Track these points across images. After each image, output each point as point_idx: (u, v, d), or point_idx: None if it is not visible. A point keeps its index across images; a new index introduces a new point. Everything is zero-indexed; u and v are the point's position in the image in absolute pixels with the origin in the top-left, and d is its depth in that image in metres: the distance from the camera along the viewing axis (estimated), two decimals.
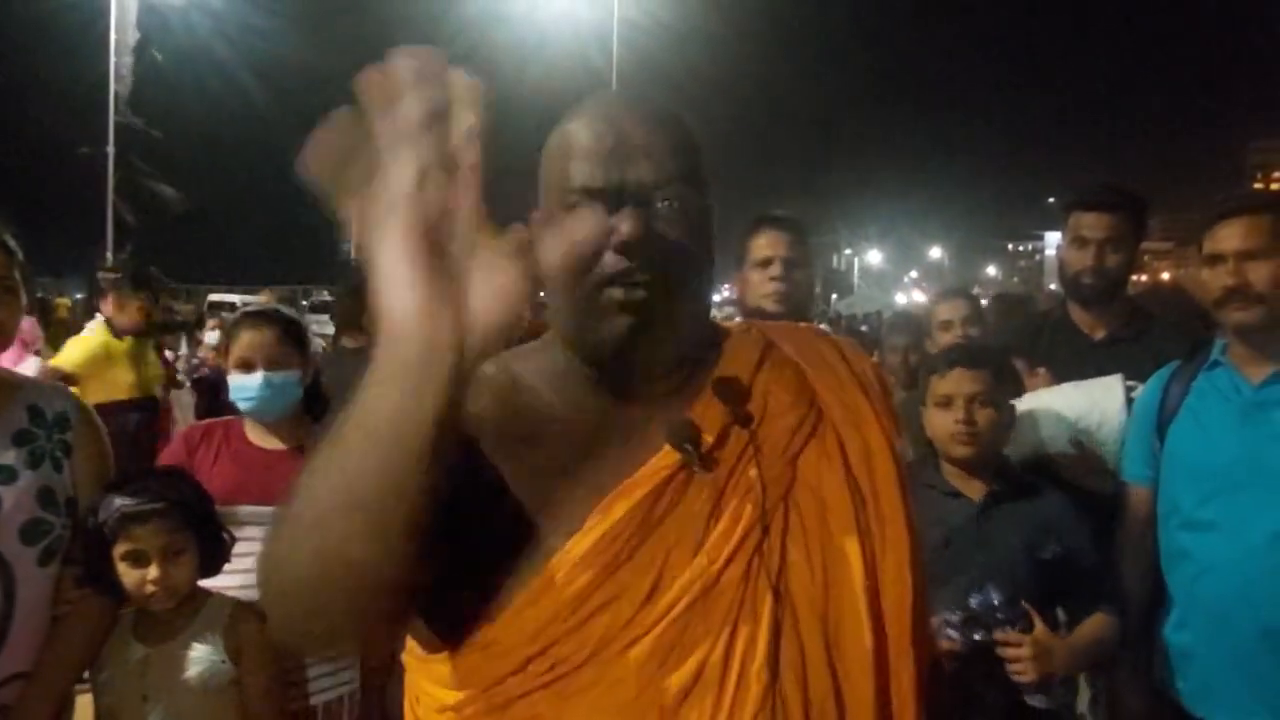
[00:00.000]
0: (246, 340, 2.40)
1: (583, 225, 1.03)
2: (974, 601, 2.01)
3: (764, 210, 2.90)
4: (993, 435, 2.20)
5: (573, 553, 0.99)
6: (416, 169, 0.70)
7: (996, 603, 2.01)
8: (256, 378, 2.37)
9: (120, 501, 1.99)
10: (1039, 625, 2.00)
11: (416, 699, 1.08)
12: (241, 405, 2.42)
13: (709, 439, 1.06)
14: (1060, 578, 2.09)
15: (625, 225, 1.01)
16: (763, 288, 2.77)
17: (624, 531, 1.00)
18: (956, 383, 2.20)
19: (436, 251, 0.71)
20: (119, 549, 2.00)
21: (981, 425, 2.17)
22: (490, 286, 0.73)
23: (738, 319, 2.24)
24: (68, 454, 2.02)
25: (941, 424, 2.20)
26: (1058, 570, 2.08)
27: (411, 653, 1.09)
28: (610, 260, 1.02)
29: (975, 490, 2.18)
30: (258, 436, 2.46)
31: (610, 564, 0.99)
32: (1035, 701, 2.00)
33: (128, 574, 2.01)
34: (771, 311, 2.70)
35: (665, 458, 1.04)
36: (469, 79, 0.71)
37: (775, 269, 2.76)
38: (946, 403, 2.19)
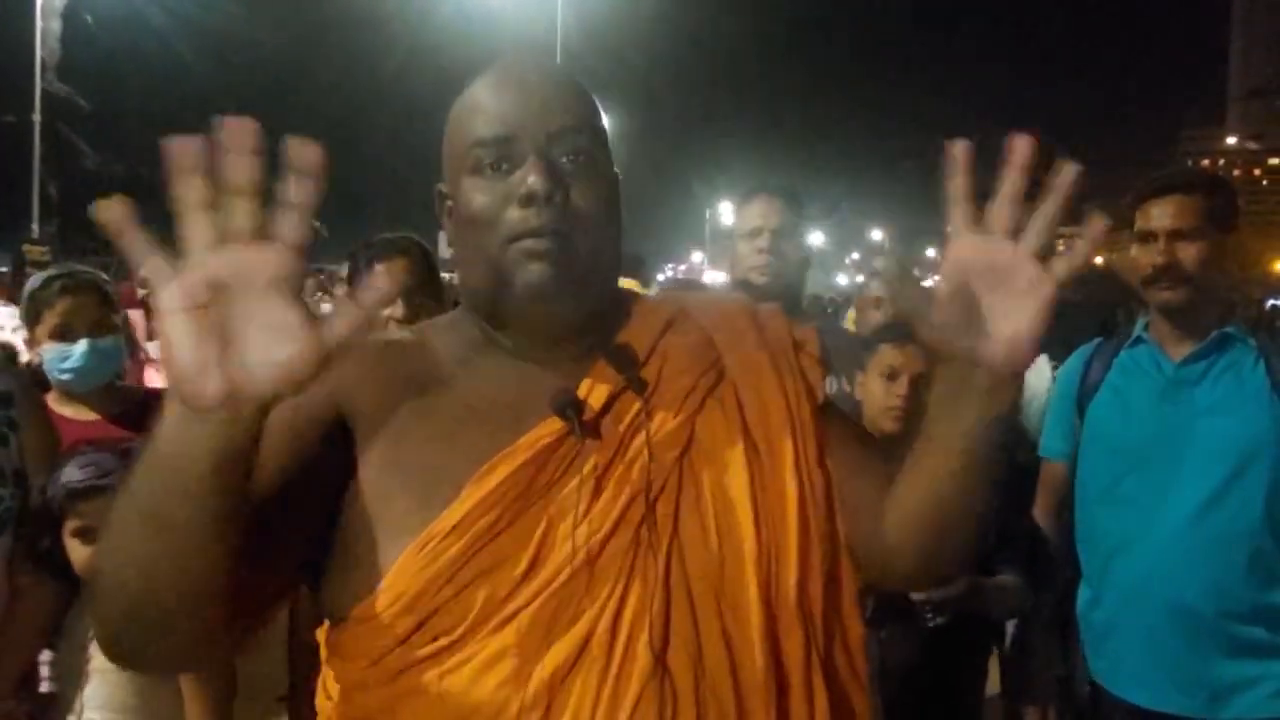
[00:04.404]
0: (64, 306, 2.28)
1: (485, 181, 1.04)
2: None
3: (760, 179, 2.83)
4: (920, 415, 2.24)
5: (446, 521, 0.97)
6: (201, 242, 0.73)
7: None
8: (80, 345, 2.27)
9: (69, 477, 1.97)
10: None
11: (327, 675, 1.07)
12: (61, 375, 2.30)
13: (595, 406, 1.04)
14: None
15: (530, 177, 1.01)
16: (751, 260, 2.68)
17: (501, 500, 0.98)
18: (908, 359, 2.20)
19: (214, 314, 0.73)
20: (69, 525, 1.97)
21: (919, 405, 2.20)
22: (281, 344, 0.74)
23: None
24: (14, 429, 2.03)
25: (880, 395, 2.20)
26: None
27: (323, 628, 1.08)
28: (515, 215, 1.02)
29: None
30: (68, 409, 2.35)
31: (486, 533, 0.97)
32: (935, 622, 2.01)
33: (78, 550, 1.97)
34: (758, 285, 2.62)
35: (549, 425, 1.02)
36: (306, 147, 0.74)
37: (763, 240, 2.67)
38: (892, 375, 2.20)
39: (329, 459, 1.01)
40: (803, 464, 1.08)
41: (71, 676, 2.00)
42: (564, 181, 1.03)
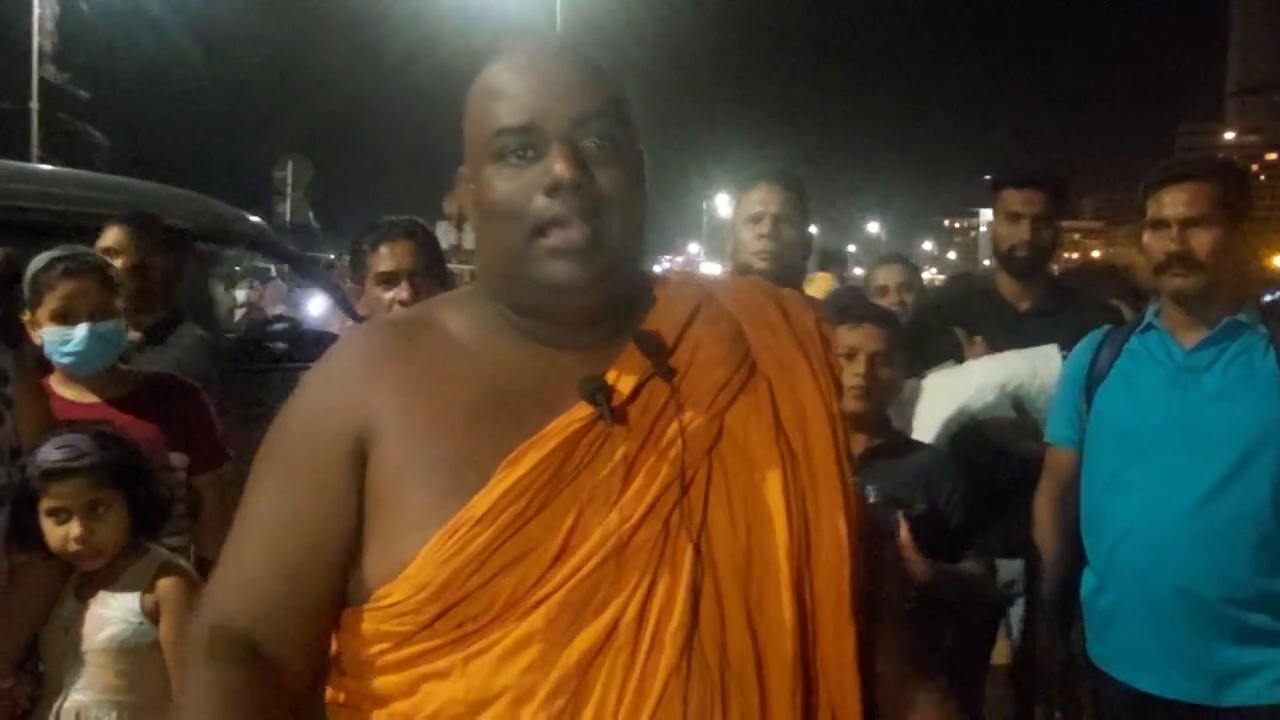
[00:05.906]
0: (65, 289, 2.28)
1: (510, 169, 1.02)
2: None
3: (762, 164, 2.81)
4: (884, 395, 2.26)
5: (475, 509, 0.97)
6: None
7: (870, 500, 2.06)
8: (81, 329, 2.28)
9: (44, 457, 1.97)
10: (903, 531, 2.04)
11: (342, 652, 1.06)
12: (62, 359, 2.31)
13: (623, 392, 1.03)
14: (926, 533, 2.10)
15: (556, 165, 1.00)
16: (752, 245, 2.69)
17: (530, 487, 0.98)
18: (863, 338, 2.23)
19: None
20: (44, 505, 1.97)
21: (879, 383, 2.22)
22: None
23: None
24: (9, 407, 2.03)
25: (842, 377, 2.21)
26: (924, 526, 2.10)
27: None
28: (541, 204, 1.01)
29: (856, 445, 2.20)
30: (70, 391, 2.36)
31: (516, 520, 0.97)
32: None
33: (52, 531, 1.98)
34: (759, 270, 2.62)
35: (578, 411, 1.02)
36: None
37: (765, 225, 2.68)
38: (850, 355, 2.21)
39: (356, 473, 1.03)
40: (845, 466, 1.09)
41: (57, 658, 2.00)
42: (590, 168, 1.01)
